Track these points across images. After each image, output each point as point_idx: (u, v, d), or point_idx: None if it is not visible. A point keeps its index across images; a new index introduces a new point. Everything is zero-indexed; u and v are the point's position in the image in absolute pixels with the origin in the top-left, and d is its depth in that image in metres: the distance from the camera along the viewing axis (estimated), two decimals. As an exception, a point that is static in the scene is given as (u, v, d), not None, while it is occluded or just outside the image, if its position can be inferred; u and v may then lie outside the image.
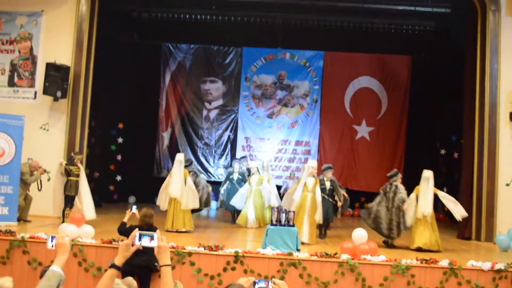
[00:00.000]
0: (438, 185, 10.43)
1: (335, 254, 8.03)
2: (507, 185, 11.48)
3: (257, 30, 15.69)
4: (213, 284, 7.70)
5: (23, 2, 12.33)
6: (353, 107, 16.97)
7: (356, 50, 16.81)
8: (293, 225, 9.03)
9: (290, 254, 8.00)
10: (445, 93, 15.30)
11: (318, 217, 9.93)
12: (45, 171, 10.84)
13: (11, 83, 12.20)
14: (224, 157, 17.04)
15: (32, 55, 12.26)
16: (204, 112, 17.30)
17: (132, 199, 16.68)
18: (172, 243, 8.02)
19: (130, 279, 5.25)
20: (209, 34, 16.46)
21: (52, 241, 3.18)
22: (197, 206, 10.73)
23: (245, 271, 7.77)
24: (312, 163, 10.38)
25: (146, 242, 2.95)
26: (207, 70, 17.29)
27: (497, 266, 7.77)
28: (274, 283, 3.28)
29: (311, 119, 17.05)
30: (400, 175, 10.27)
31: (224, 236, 10.24)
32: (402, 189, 9.94)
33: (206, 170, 17.08)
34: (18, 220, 10.26)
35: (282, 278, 7.52)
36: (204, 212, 15.80)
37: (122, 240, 7.28)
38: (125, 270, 6.79)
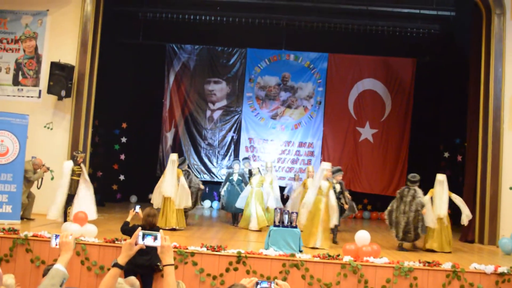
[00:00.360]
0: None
1: (338, 255, 8.03)
2: (511, 188, 11.46)
3: (262, 32, 15.70)
4: (216, 284, 7.71)
5: (28, 2, 12.38)
6: (356, 109, 16.95)
7: (360, 52, 16.81)
8: (296, 227, 9.03)
9: (293, 255, 8.00)
10: (449, 96, 15.28)
11: (336, 221, 9.69)
12: (48, 169, 10.86)
13: (15, 82, 12.25)
14: (227, 157, 17.04)
15: (36, 54, 12.31)
16: (208, 113, 17.31)
17: (133, 198, 16.71)
18: (174, 243, 8.03)
19: (132, 279, 5.27)
20: (214, 35, 16.49)
21: (56, 239, 3.19)
22: (189, 205, 10.96)
23: (248, 272, 7.78)
24: (326, 165, 9.91)
25: (149, 241, 2.96)
26: (211, 71, 17.30)
27: (500, 270, 7.76)
28: (277, 284, 3.29)
29: (315, 121, 17.04)
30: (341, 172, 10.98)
31: (227, 237, 10.25)
32: (420, 193, 9.95)
33: (209, 171, 17.09)
34: (21, 218, 10.29)
35: (284, 279, 7.53)
36: (207, 212, 15.86)
37: (125, 240, 7.30)
38: (127, 270, 6.86)
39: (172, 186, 10.65)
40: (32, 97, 12.19)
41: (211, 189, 17.02)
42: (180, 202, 10.67)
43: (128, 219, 7.65)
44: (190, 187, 11.12)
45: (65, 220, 9.83)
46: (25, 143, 10.45)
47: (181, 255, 7.86)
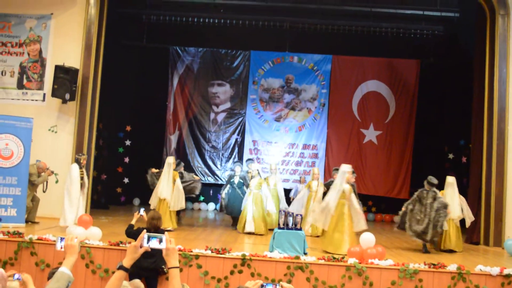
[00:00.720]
0: (446, 189, 10.53)
1: (343, 258, 8.02)
2: (516, 189, 11.42)
3: (265, 34, 15.71)
4: (220, 287, 7.70)
5: (33, 5, 12.42)
6: (360, 111, 16.94)
7: (364, 54, 16.80)
8: (300, 229, 9.02)
9: (297, 257, 7.98)
10: (453, 97, 15.26)
11: (364, 226, 9.37)
12: (52, 172, 10.88)
13: (20, 86, 12.28)
14: (231, 160, 17.03)
15: (41, 58, 12.34)
16: (212, 115, 17.32)
17: (137, 201, 16.73)
18: (179, 246, 8.03)
19: (137, 282, 5.26)
20: (217, 37, 16.52)
21: (61, 242, 3.19)
22: (183, 206, 11.29)
23: (252, 274, 7.76)
24: (347, 167, 9.58)
25: (154, 244, 2.96)
26: (214, 73, 17.32)
27: (505, 271, 7.73)
28: (282, 286, 3.28)
29: (319, 123, 17.03)
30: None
31: (231, 239, 10.24)
32: (439, 194, 10.03)
33: (213, 173, 17.10)
34: (26, 221, 10.31)
35: (289, 282, 7.51)
36: (211, 214, 15.85)
37: (129, 243, 7.30)
38: (132, 273, 6.84)
39: (167, 188, 10.99)
40: (36, 100, 12.22)
41: (215, 191, 17.03)
42: (174, 204, 10.98)
43: (133, 222, 7.65)
44: (186, 185, 11.47)
45: None
46: (30, 146, 10.48)
47: (186, 257, 7.86)
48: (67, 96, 11.61)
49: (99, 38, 12.35)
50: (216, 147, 17.21)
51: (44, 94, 12.18)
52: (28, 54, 12.36)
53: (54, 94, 11.65)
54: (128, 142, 16.76)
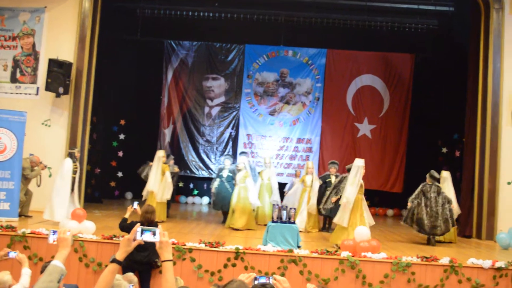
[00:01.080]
0: (439, 183, 10.60)
1: (336, 251, 8.05)
2: (509, 183, 11.49)
3: (260, 28, 15.68)
4: (214, 280, 7.72)
5: (26, -1, 12.35)
6: (355, 105, 16.96)
7: (358, 48, 16.80)
8: (294, 222, 9.05)
9: (291, 250, 8.01)
10: (447, 92, 15.28)
11: (372, 221, 9.55)
12: (46, 166, 10.85)
13: (13, 79, 12.23)
14: (225, 154, 17.01)
15: (34, 51, 12.28)
16: (206, 109, 17.30)
17: (129, 195, 16.72)
18: (173, 239, 8.04)
19: (130, 275, 5.27)
20: (212, 31, 16.46)
21: (54, 235, 3.19)
22: (169, 197, 11.61)
23: (246, 268, 7.78)
24: (361, 162, 9.48)
25: (148, 237, 2.96)
26: (209, 67, 17.28)
27: (497, 264, 7.79)
28: (275, 279, 3.30)
29: (313, 117, 17.04)
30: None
31: (225, 233, 10.26)
32: (450, 189, 10.44)
33: (207, 167, 17.09)
34: (19, 215, 10.28)
35: (282, 275, 7.53)
36: (204, 208, 15.86)
37: (123, 236, 7.30)
38: (125, 266, 6.85)
39: (155, 181, 11.39)
40: (30, 94, 12.16)
41: (209, 185, 16.97)
42: (162, 195, 11.38)
43: (126, 216, 7.65)
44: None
45: None
46: (23, 140, 10.44)
47: (179, 251, 7.87)
48: (61, 89, 11.57)
49: (93, 32, 12.30)
50: (210, 141, 17.20)
51: (38, 88, 12.13)
52: (22, 48, 12.30)
53: (47, 87, 11.60)
54: (122, 136, 16.73)
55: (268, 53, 17.17)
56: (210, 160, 17.12)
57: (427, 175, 10.32)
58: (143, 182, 11.93)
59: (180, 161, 17.03)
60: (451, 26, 15.14)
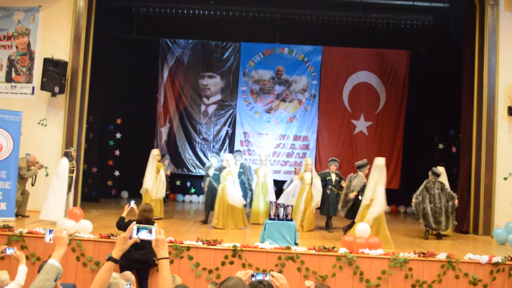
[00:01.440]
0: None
1: (333, 248, 8.06)
2: (505, 179, 11.52)
3: (255, 25, 15.65)
4: (211, 278, 7.72)
5: (20, -2, 12.31)
6: (351, 102, 16.97)
7: (354, 45, 16.79)
8: (291, 219, 9.05)
9: (288, 248, 8.02)
10: (443, 88, 15.30)
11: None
12: (42, 166, 10.83)
13: (8, 79, 12.19)
14: (222, 152, 17.01)
15: (29, 51, 12.24)
16: (202, 107, 17.29)
17: (125, 194, 16.69)
18: (170, 238, 8.04)
19: (128, 273, 5.27)
20: (207, 29, 16.42)
21: (50, 234, 3.18)
22: (163, 195, 11.85)
23: (243, 265, 7.79)
24: (382, 160, 9.58)
25: (144, 235, 2.95)
26: (205, 65, 17.27)
27: (494, 259, 7.81)
28: (272, 276, 3.30)
29: (309, 114, 17.04)
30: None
31: (222, 231, 10.26)
32: (447, 185, 10.55)
33: (204, 165, 17.04)
34: (16, 215, 10.26)
35: (280, 272, 7.54)
36: (202, 206, 15.84)
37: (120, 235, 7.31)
38: (123, 265, 6.85)
39: (150, 179, 11.71)
40: (25, 93, 12.13)
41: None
42: (156, 193, 11.64)
43: (124, 215, 7.66)
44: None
45: None
46: (19, 140, 10.42)
47: (177, 249, 7.87)
48: (56, 89, 11.53)
49: (88, 31, 12.26)
50: (207, 139, 17.20)
51: (33, 87, 12.09)
52: (17, 47, 12.26)
53: (43, 87, 11.57)
54: (118, 135, 16.70)
55: (264, 51, 17.16)
56: (207, 158, 17.07)
57: (430, 172, 10.57)
58: (139, 181, 12.06)
59: (177, 159, 17.04)
60: (446, 22, 15.16)
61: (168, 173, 12.77)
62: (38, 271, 4.13)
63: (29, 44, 12.24)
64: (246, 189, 11.88)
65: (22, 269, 4.82)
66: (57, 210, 9.57)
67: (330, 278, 7.77)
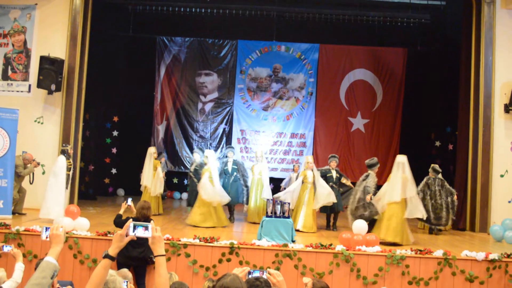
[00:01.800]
0: (432, 176, 10.76)
1: (330, 245, 8.07)
2: (502, 176, 11.55)
3: (252, 23, 15.63)
4: (209, 275, 7.73)
5: (17, -5, 12.28)
6: (348, 99, 16.98)
7: (351, 43, 16.79)
8: (289, 217, 9.06)
9: (285, 245, 8.03)
10: (440, 85, 15.32)
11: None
12: (38, 164, 10.81)
13: (5, 77, 12.16)
14: (219, 149, 17.01)
15: (26, 49, 12.21)
16: (199, 105, 17.27)
17: (121, 191, 16.67)
18: (167, 235, 8.05)
19: (125, 271, 5.27)
20: (204, 27, 16.42)
21: (46, 232, 3.18)
22: (161, 192, 12.16)
23: (241, 263, 7.80)
24: (403, 158, 9.45)
25: (140, 232, 2.96)
26: (202, 63, 17.25)
27: (491, 256, 7.84)
28: (269, 273, 3.31)
29: (306, 112, 17.05)
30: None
31: (219, 228, 10.25)
32: (446, 182, 10.78)
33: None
34: (13, 213, 10.25)
35: (277, 269, 7.54)
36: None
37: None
38: (121, 262, 6.86)
39: (148, 176, 11.95)
40: (22, 91, 12.10)
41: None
42: (155, 189, 11.90)
43: (121, 212, 7.66)
44: None
45: None
46: (16, 138, 10.41)
47: (174, 247, 7.88)
48: (53, 87, 11.52)
49: (84, 28, 12.23)
50: (204, 136, 17.19)
51: (30, 85, 12.07)
52: (13, 45, 12.23)
53: (39, 85, 11.54)
54: (115, 133, 16.68)
55: (260, 49, 17.15)
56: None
57: (430, 169, 10.83)
58: (139, 179, 12.22)
59: (174, 157, 17.03)
60: (443, 20, 15.16)
61: (163, 174, 12.68)
62: (35, 269, 4.14)
63: (25, 42, 12.21)
64: (242, 186, 11.58)
65: (19, 267, 4.82)
66: (56, 208, 9.56)
67: (327, 275, 7.78)
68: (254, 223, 11.04)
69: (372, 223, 9.56)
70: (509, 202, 11.47)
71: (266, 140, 17.07)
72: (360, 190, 9.95)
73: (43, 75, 11.47)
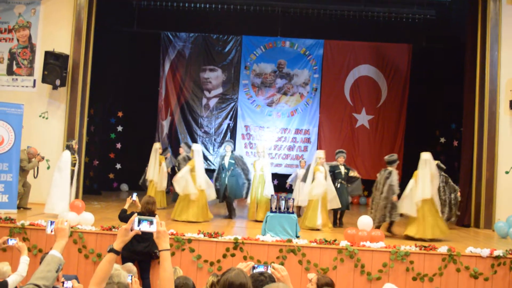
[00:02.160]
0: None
1: (335, 240, 8.07)
2: (507, 172, 11.50)
3: (257, 19, 15.61)
4: (213, 270, 7.74)
5: (22, -10, 12.28)
6: (353, 95, 16.95)
7: (356, 39, 16.75)
8: (293, 212, 9.05)
9: (290, 240, 8.03)
10: (445, 82, 15.27)
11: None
12: (43, 158, 10.83)
13: (10, 72, 12.18)
14: (223, 145, 16.99)
15: (30, 44, 12.23)
16: (204, 101, 17.27)
17: (125, 186, 16.69)
18: (172, 230, 8.06)
19: (129, 265, 5.29)
20: (209, 22, 16.40)
21: (51, 226, 3.19)
22: (165, 187, 12.46)
23: (245, 258, 7.82)
24: (429, 155, 9.63)
25: (145, 227, 2.96)
26: (206, 59, 17.23)
27: (495, 253, 7.81)
28: (273, 268, 3.31)
29: (311, 108, 17.03)
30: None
31: (223, 223, 10.27)
32: (449, 178, 10.64)
33: (205, 158, 17.02)
34: (18, 207, 10.28)
35: (281, 264, 7.54)
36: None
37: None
38: (126, 256, 6.87)
39: (154, 171, 12.15)
40: (26, 86, 12.13)
41: (208, 177, 16.99)
42: (160, 184, 12.23)
43: (126, 207, 7.68)
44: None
45: None
46: (20, 132, 10.43)
47: (179, 241, 7.89)
48: (58, 82, 11.53)
49: (89, 24, 12.22)
50: (209, 132, 17.19)
51: (35, 80, 12.09)
52: (18, 40, 12.24)
53: (44, 80, 11.56)
54: (120, 128, 16.71)
55: (265, 44, 17.13)
56: (209, 151, 17.10)
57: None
58: (141, 174, 12.24)
59: (179, 152, 17.00)
60: (448, 16, 15.10)
61: (169, 170, 12.84)
62: (40, 263, 4.15)
63: (30, 37, 12.23)
64: (243, 180, 11.26)
65: (24, 260, 4.84)
66: (61, 203, 9.58)
67: (332, 270, 7.78)
68: (256, 221, 10.77)
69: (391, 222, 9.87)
70: (514, 198, 11.44)
71: (271, 136, 17.06)
72: (386, 190, 9.78)
73: (48, 70, 11.50)
